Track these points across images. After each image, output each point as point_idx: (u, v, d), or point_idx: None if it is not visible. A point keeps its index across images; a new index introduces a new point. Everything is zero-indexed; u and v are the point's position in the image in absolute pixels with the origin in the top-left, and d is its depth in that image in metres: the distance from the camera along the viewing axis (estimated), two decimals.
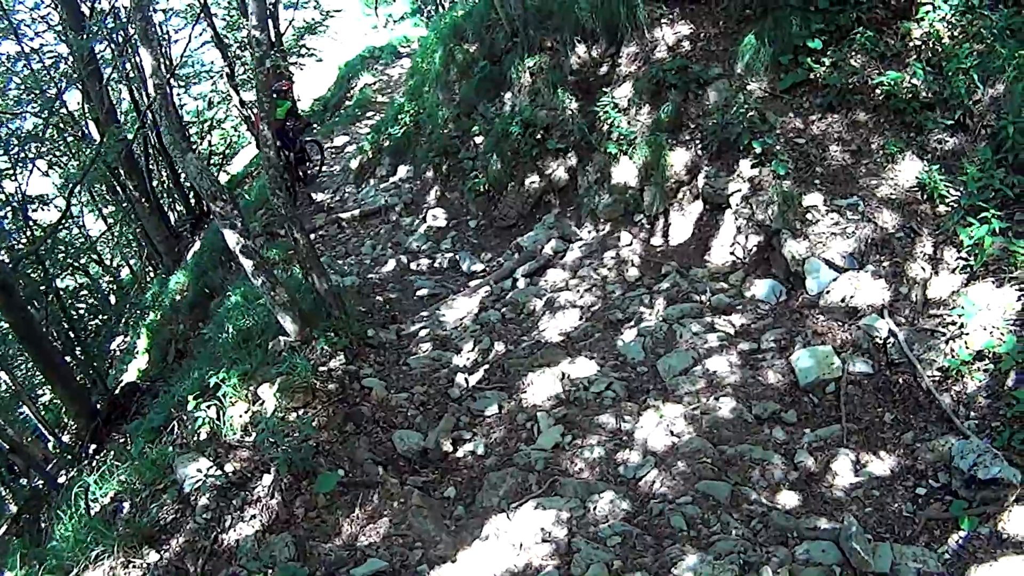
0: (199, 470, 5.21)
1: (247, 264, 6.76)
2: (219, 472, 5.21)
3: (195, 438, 5.94)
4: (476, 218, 10.40)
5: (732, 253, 7.46)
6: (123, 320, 17.26)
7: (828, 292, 6.33)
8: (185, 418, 6.33)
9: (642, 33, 9.27)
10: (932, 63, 7.25)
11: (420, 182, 11.79)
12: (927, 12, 7.23)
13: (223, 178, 26.30)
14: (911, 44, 7.45)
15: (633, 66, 9.29)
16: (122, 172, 16.93)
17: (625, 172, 8.71)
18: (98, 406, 12.33)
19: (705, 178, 7.90)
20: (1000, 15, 6.88)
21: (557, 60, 10.11)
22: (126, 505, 5.47)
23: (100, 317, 14.47)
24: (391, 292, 8.69)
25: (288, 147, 12.91)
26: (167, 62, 20.70)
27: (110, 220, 22.44)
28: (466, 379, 6.34)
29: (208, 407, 5.93)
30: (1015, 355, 4.99)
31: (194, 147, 24.37)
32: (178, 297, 14.59)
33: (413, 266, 9.53)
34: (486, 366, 6.49)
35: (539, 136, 9.79)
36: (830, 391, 5.51)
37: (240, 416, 6.16)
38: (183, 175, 23.78)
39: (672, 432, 5.25)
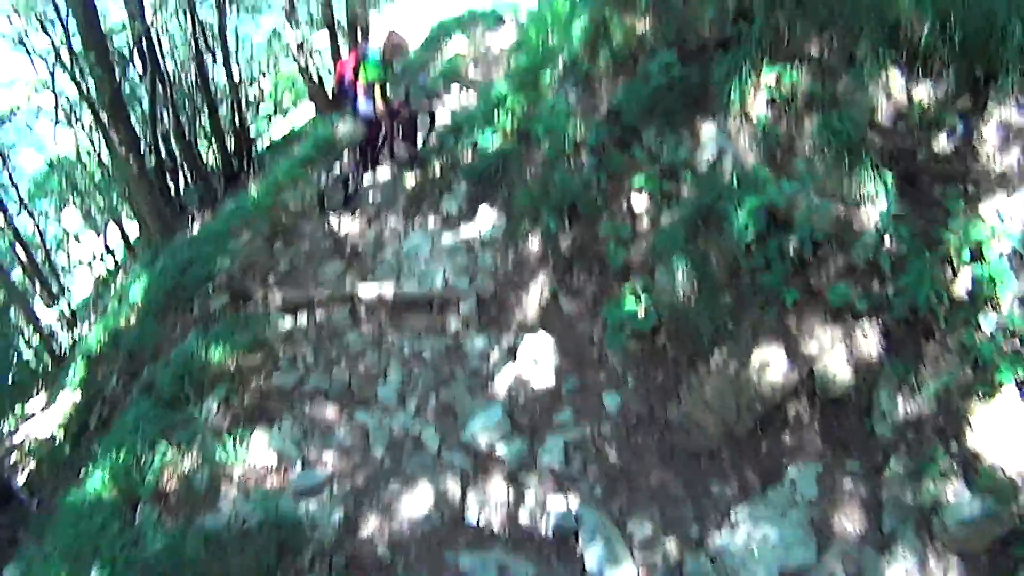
0: None
1: None
2: None
3: None
4: (623, 391, 4.70)
5: None
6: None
7: None
8: None
9: None
10: None
11: (516, 251, 6.16)
12: None
13: (279, 131, 20.88)
14: None
15: None
16: (105, 117, 11.71)
17: None
18: None
19: None
20: None
21: (832, 82, 4.43)
22: None
23: None
24: None
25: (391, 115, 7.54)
26: None
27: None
28: None
29: None
30: None
31: (241, 87, 19.13)
32: (131, 318, 9.29)
33: (471, 510, 3.95)
34: None
35: (797, 250, 4.14)
36: None
37: None
38: (226, 120, 18.65)
39: None
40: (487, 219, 6.62)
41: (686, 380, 4.46)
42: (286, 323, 5.82)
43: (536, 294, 5.59)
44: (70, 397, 10.28)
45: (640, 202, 5.54)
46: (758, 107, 4.86)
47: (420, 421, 4.68)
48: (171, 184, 15.28)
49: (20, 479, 8.85)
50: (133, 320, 8.54)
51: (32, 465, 9.49)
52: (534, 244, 5.97)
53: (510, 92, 7.91)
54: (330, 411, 4.86)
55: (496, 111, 7.76)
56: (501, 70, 13.48)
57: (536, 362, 4.92)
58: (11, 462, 10.22)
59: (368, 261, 6.75)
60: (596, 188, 5.81)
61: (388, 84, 7.29)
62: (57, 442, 9.23)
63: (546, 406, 4.68)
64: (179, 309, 6.84)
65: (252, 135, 19.16)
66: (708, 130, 5.31)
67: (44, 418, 10.72)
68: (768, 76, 4.82)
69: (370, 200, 7.88)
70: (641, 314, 4.76)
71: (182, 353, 5.55)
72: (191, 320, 6.61)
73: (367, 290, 5.95)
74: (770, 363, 4.11)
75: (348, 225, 7.47)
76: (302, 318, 5.92)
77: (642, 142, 5.88)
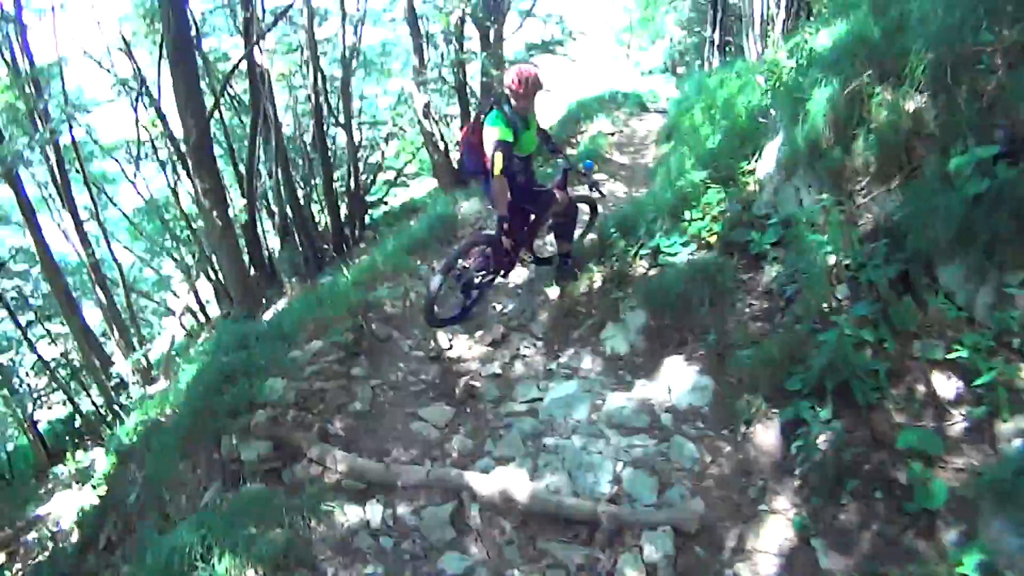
0: None
1: None
2: None
3: None
4: None
5: None
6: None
7: None
8: None
9: None
10: None
11: (735, 443, 3.64)
12: None
13: (395, 201, 19.16)
14: None
15: None
16: (188, 164, 10.00)
17: None
18: None
19: None
20: None
21: None
22: None
23: None
24: None
25: (529, 201, 5.24)
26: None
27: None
28: None
29: None
30: None
31: (361, 150, 17.64)
32: (163, 418, 7.10)
33: None
34: None
35: None
36: None
37: None
38: (341, 180, 17.13)
39: None
40: (680, 376, 4.18)
41: None
42: (346, 517, 3.49)
43: (773, 533, 3.05)
44: (92, 494, 8.46)
45: (948, 388, 3.01)
46: None
47: None
48: (268, 246, 13.62)
49: None
50: (173, 414, 6.49)
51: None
52: (767, 435, 3.47)
53: (709, 181, 5.58)
54: None
55: (687, 207, 5.42)
56: (649, 154, 11.56)
57: None
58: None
59: (489, 413, 4.39)
60: (876, 353, 3.32)
61: (525, 149, 4.97)
62: (63, 544, 7.56)
63: None
64: (206, 442, 4.63)
65: (368, 201, 17.65)
66: None
67: (72, 499, 9.05)
68: None
69: (497, 312, 5.59)
70: None
71: (170, 546, 3.28)
72: (215, 467, 4.39)
73: (485, 482, 3.55)
74: None
75: (463, 348, 5.17)
76: (374, 511, 3.56)
77: (938, 284, 3.40)
